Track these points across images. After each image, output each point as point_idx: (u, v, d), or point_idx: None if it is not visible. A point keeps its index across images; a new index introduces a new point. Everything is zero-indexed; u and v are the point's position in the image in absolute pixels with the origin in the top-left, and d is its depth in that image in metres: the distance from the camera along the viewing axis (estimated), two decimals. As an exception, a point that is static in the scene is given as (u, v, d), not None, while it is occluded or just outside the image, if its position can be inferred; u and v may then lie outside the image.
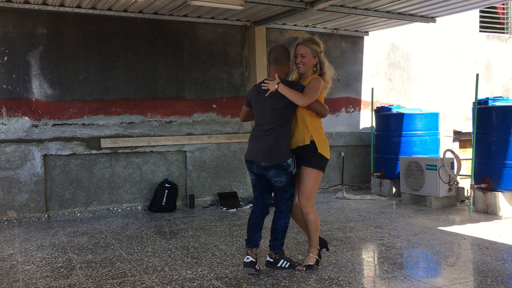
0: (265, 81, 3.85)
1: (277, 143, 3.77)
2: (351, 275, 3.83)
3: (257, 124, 3.93)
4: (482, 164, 6.41)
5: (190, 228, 5.73)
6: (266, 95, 3.81)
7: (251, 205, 5.90)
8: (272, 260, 3.99)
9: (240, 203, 7.26)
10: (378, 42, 8.89)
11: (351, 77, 8.65)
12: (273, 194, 4.03)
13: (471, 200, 6.45)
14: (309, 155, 3.84)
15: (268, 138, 3.78)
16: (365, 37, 8.72)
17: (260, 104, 3.87)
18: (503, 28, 10.33)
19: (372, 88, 8.49)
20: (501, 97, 6.46)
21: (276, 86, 3.75)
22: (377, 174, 8.07)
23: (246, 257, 3.86)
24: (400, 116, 7.74)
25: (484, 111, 6.37)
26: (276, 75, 3.83)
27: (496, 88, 10.16)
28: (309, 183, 3.84)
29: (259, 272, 3.86)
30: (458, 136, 9.61)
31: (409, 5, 6.65)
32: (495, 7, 10.18)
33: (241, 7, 5.88)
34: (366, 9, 6.83)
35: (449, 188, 6.82)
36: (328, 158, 3.91)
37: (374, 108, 8.39)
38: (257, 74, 7.44)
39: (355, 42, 8.67)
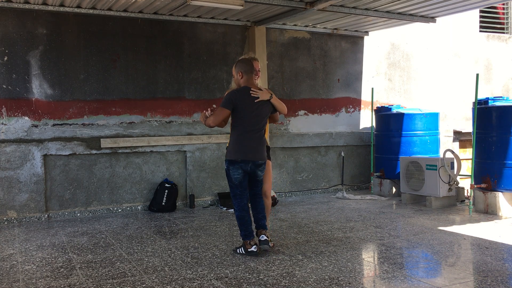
0: (252, 90, 4.37)
1: (264, 143, 4.49)
2: (351, 275, 3.83)
3: (245, 127, 4.36)
4: (482, 164, 6.41)
5: (190, 228, 5.74)
6: (256, 101, 4.35)
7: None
8: (268, 238, 4.44)
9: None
10: (378, 42, 8.89)
11: (351, 77, 8.66)
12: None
13: (471, 200, 6.45)
14: (267, 151, 4.65)
15: (262, 140, 4.43)
16: (365, 37, 8.73)
17: (251, 109, 4.35)
18: (503, 28, 10.33)
19: (372, 88, 8.49)
20: (501, 97, 6.46)
21: (271, 97, 4.40)
22: (377, 174, 8.07)
23: (253, 246, 4.36)
24: (400, 116, 7.74)
25: (484, 111, 6.37)
26: (260, 85, 4.52)
27: (496, 88, 10.16)
28: (270, 171, 4.72)
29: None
30: (458, 136, 9.61)
31: (409, 5, 6.65)
32: (495, 7, 10.18)
33: (241, 7, 5.89)
34: (366, 9, 6.84)
35: (449, 188, 6.83)
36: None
37: (374, 108, 8.39)
38: (257, 74, 7.45)
39: (355, 42, 8.67)
